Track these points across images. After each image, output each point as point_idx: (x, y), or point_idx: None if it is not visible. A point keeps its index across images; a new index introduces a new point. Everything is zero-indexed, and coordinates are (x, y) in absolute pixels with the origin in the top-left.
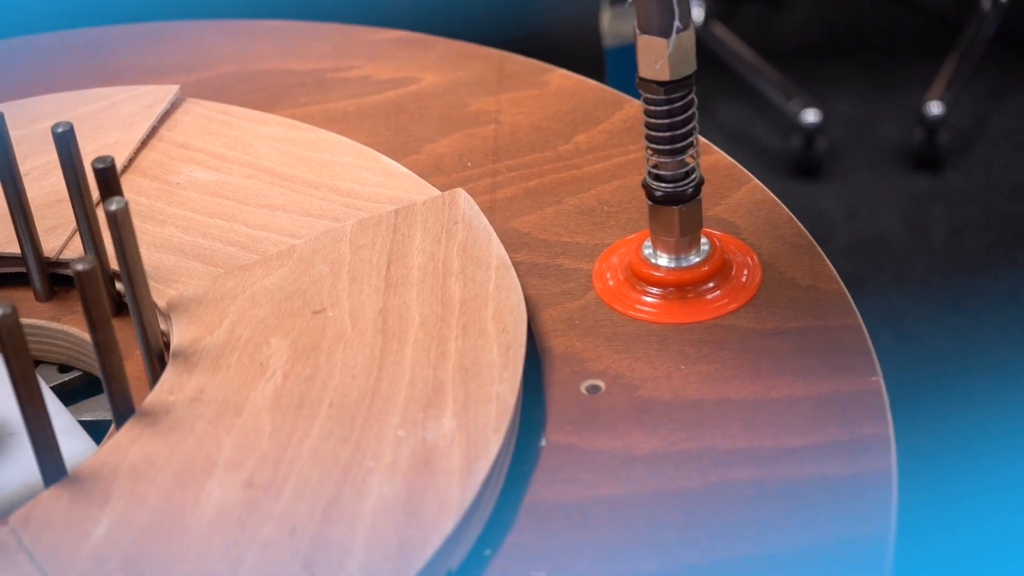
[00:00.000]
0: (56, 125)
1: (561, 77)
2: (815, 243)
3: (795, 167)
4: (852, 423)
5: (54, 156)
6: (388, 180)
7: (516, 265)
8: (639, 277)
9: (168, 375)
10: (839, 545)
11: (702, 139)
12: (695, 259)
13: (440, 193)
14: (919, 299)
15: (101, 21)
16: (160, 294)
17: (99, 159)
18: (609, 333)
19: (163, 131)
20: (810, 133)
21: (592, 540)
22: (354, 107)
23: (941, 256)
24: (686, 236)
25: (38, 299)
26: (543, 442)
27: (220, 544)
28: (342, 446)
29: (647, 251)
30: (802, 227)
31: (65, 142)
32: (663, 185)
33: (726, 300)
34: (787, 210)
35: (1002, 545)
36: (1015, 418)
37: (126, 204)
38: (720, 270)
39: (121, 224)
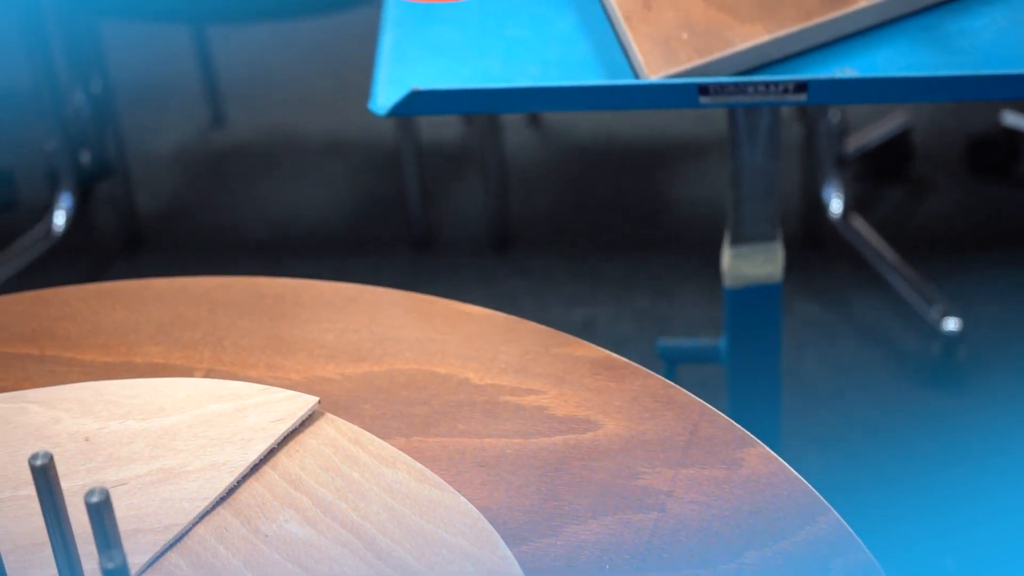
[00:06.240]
0: (34, 456)
1: (759, 457)
2: None
3: (934, 375)
4: None
5: (141, 470)
6: None
7: None
8: None
9: None
10: None
11: None
12: None
13: None
14: None
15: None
16: None
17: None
18: None
19: (281, 455)
20: (951, 342)
21: None
22: (514, 451)
23: None
24: None
25: None
26: None
27: None
28: None
29: None
30: None
31: (44, 477)
32: None
33: None
34: None
35: None
36: None
37: None
38: None
39: None
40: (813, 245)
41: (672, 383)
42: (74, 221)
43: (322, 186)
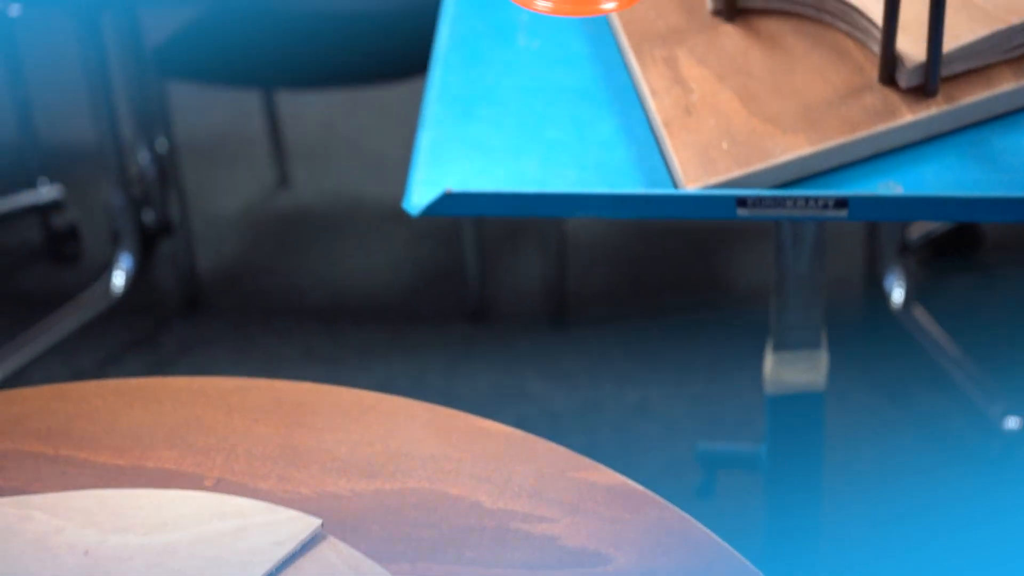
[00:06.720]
0: None
1: None
2: None
3: (993, 474)
4: None
5: None
6: None
7: None
8: None
9: None
10: None
11: None
12: None
13: None
14: None
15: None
16: None
17: None
18: None
19: None
20: (1012, 440)
21: None
22: None
23: None
24: None
25: None
26: None
27: None
28: None
29: None
30: None
31: None
32: None
33: None
34: None
35: None
36: None
37: None
38: None
39: None
40: (872, 335)
41: (688, 516)
42: (134, 280)
43: (382, 253)
